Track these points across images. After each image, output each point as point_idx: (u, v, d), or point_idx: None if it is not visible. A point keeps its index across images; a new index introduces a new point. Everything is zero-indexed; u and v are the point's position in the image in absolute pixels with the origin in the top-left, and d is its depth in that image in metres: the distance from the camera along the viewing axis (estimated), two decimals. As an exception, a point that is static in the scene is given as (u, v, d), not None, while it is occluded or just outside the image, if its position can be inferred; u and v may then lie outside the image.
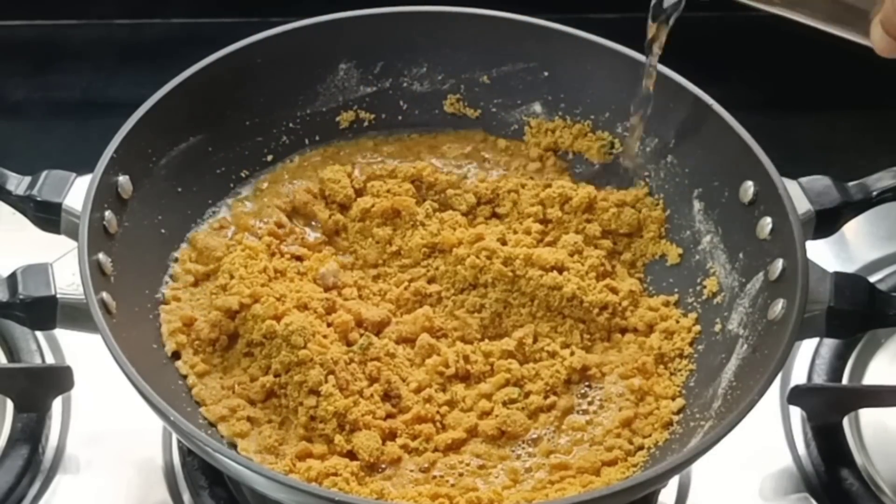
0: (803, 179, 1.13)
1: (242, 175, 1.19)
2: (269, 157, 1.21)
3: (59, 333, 1.14)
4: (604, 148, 1.22)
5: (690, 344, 1.11)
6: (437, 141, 1.24)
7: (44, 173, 1.10)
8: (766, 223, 1.09)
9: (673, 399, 1.07)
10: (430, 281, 1.14)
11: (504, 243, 1.14)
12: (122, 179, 1.09)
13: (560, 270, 1.13)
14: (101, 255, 1.04)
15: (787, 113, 1.33)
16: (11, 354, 1.16)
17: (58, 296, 1.03)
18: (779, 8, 0.91)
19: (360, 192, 1.19)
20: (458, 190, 1.20)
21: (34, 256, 1.06)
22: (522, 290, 1.12)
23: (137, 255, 1.09)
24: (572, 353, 1.09)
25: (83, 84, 1.45)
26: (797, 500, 1.12)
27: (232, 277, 1.09)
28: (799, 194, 1.11)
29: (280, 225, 1.16)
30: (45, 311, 1.03)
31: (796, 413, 1.16)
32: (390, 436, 1.04)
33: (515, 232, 1.17)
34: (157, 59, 1.37)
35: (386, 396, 1.06)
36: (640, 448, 1.04)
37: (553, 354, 1.09)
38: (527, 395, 1.07)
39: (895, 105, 1.43)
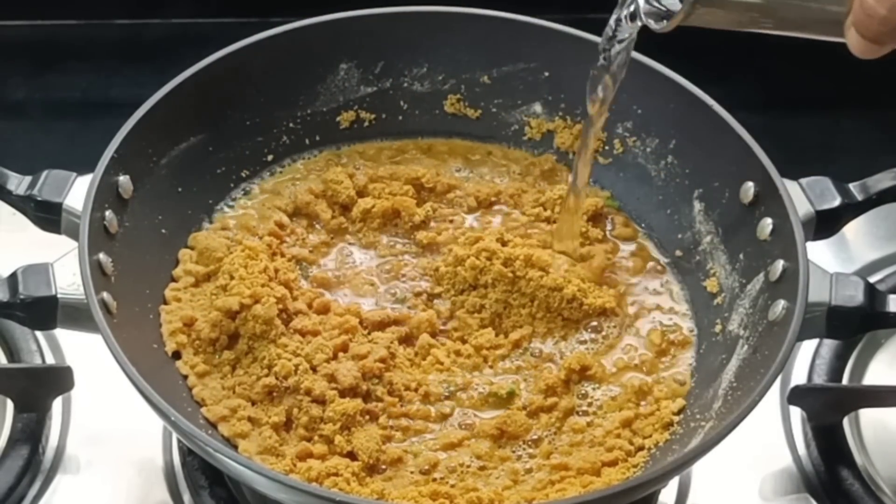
0: (804, 180, 1.13)
1: (243, 175, 1.19)
2: (270, 157, 1.21)
3: (59, 333, 1.14)
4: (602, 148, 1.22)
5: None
6: (437, 148, 1.24)
7: (44, 173, 1.10)
8: (767, 224, 1.09)
9: (673, 399, 1.07)
10: (431, 281, 1.15)
11: (504, 244, 1.14)
12: (123, 179, 1.09)
13: (561, 271, 1.13)
14: (101, 255, 1.04)
15: (787, 113, 1.33)
16: (11, 354, 1.16)
17: (58, 296, 1.03)
18: (749, 27, 0.91)
19: (361, 194, 1.19)
20: (459, 192, 1.20)
21: (34, 256, 1.06)
22: (522, 291, 1.12)
23: (138, 255, 1.09)
24: (570, 353, 1.10)
25: (83, 84, 1.45)
26: (797, 500, 1.12)
27: (232, 278, 1.09)
28: (799, 195, 1.11)
29: (281, 225, 1.16)
30: (45, 311, 1.03)
31: (796, 413, 1.16)
32: (390, 436, 1.04)
33: (515, 232, 1.17)
34: (157, 59, 1.37)
35: (388, 396, 1.06)
36: (641, 448, 1.04)
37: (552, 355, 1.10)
38: (527, 395, 1.08)
39: (895, 105, 1.43)
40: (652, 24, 0.96)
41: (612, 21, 1.02)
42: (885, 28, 0.82)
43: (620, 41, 1.03)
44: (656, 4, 0.96)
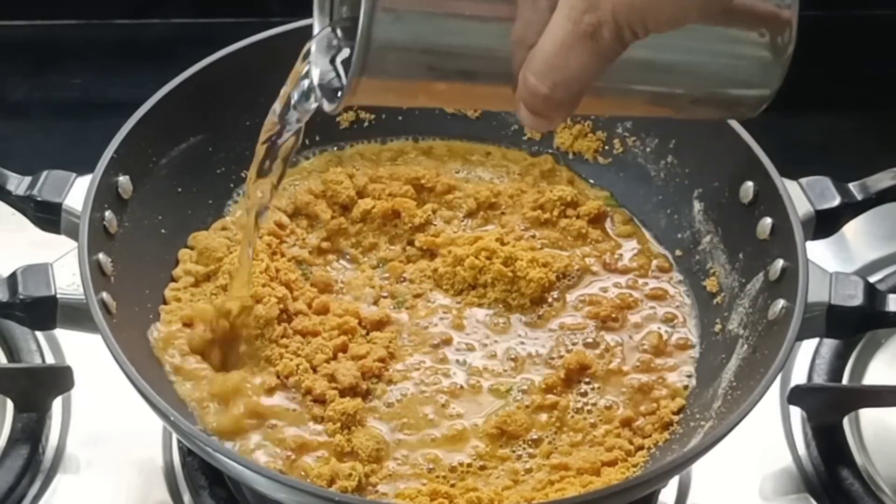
0: (803, 180, 1.13)
1: (243, 175, 1.19)
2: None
3: (59, 333, 1.14)
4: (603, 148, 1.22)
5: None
6: (436, 149, 1.24)
7: (44, 173, 1.10)
8: (767, 223, 1.09)
9: (673, 399, 1.07)
10: (430, 281, 1.15)
11: (503, 244, 1.14)
12: (123, 179, 1.09)
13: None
14: (101, 256, 1.04)
15: (787, 113, 1.32)
16: (11, 354, 1.16)
17: (58, 296, 1.03)
18: (421, 103, 0.83)
19: (361, 194, 1.19)
20: (459, 193, 1.20)
21: (34, 256, 1.06)
22: (522, 291, 1.12)
23: (138, 255, 1.09)
24: (570, 352, 1.10)
25: (83, 84, 1.45)
26: (797, 500, 1.12)
27: (233, 278, 1.09)
28: (799, 195, 1.11)
29: (281, 225, 1.16)
30: (45, 311, 1.03)
31: (796, 413, 1.16)
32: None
33: (514, 233, 1.17)
34: (157, 59, 1.37)
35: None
36: (641, 448, 1.04)
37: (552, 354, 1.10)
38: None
39: (895, 105, 1.43)
40: (325, 105, 0.85)
41: (276, 107, 0.92)
42: (548, 105, 0.79)
43: (288, 130, 0.91)
44: (333, 78, 0.84)
